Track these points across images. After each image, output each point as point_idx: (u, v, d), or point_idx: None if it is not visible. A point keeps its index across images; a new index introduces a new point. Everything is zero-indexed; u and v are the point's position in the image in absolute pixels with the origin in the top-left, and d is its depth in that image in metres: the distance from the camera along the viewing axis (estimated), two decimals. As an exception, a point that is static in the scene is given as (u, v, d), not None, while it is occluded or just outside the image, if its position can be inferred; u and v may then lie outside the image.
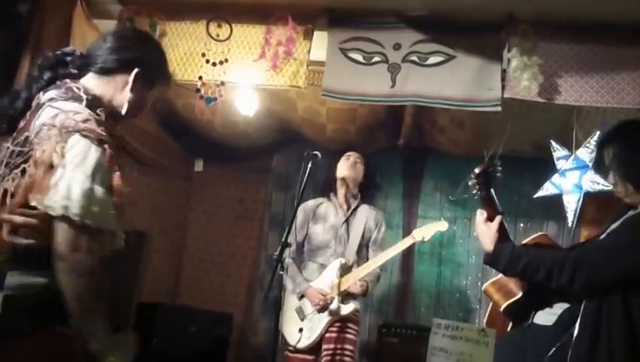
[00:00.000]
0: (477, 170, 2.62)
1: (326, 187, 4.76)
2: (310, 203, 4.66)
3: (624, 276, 2.40)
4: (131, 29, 2.30)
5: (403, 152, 6.15)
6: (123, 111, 2.13)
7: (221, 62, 4.39)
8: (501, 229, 2.61)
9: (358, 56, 4.30)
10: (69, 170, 1.83)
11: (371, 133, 5.82)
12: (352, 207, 4.61)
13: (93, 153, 1.90)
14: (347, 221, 4.57)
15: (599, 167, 4.20)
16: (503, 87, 4.06)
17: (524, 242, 3.19)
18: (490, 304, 3.60)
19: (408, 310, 6.19)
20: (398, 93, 4.22)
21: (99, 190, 1.87)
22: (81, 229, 1.82)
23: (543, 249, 2.82)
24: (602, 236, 2.63)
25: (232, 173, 6.87)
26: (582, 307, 2.48)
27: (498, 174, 2.63)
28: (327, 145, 5.79)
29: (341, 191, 4.63)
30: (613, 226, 2.59)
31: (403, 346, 5.41)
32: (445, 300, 6.18)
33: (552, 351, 2.53)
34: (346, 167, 4.60)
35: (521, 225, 5.91)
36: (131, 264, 4.58)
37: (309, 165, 3.89)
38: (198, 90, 4.42)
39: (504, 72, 4.10)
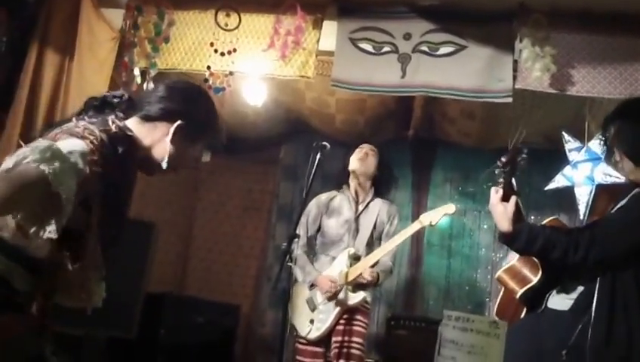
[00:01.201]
0: (504, 159, 2.61)
1: (338, 179, 4.72)
2: (323, 196, 4.62)
3: (635, 249, 2.43)
4: (184, 82, 2.25)
5: (412, 143, 6.12)
6: (164, 165, 2.09)
7: (229, 52, 4.36)
8: (517, 209, 2.60)
9: (368, 46, 4.26)
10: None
11: (381, 123, 5.78)
12: (366, 201, 4.57)
13: (77, 141, 1.86)
14: (360, 215, 4.53)
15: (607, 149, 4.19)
16: (515, 78, 4.02)
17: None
18: (501, 292, 3.57)
19: (417, 302, 6.17)
20: (408, 84, 4.19)
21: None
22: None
23: (558, 228, 2.82)
24: (612, 211, 2.65)
25: (239, 164, 6.85)
26: (596, 289, 2.48)
27: (522, 162, 2.63)
28: (336, 136, 5.76)
29: (353, 183, 4.60)
30: (622, 203, 2.60)
31: (412, 338, 5.39)
32: (454, 292, 6.15)
33: (573, 338, 2.53)
34: (357, 160, 4.55)
35: (532, 217, 5.86)
36: (138, 254, 4.56)
37: (318, 156, 3.85)
38: (206, 80, 4.39)
39: (515, 62, 4.06)
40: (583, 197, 4.41)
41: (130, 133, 2.03)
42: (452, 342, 4.54)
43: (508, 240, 2.62)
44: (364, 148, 4.61)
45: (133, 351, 4.90)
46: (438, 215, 4.42)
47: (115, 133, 1.97)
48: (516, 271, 3.20)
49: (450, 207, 4.48)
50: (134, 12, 4.45)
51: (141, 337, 4.49)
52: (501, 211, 2.59)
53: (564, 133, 4.55)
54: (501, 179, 2.62)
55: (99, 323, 4.24)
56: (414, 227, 4.45)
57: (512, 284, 3.19)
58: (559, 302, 3.11)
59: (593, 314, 2.48)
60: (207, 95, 2.26)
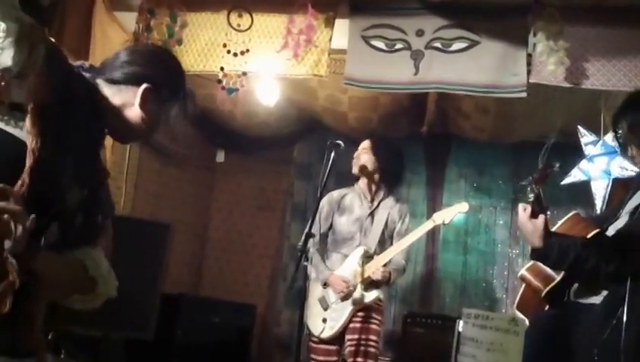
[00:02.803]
0: (536, 176, 2.64)
1: (350, 177, 4.71)
2: (335, 194, 4.62)
3: None
4: (146, 45, 2.16)
5: (426, 140, 6.09)
6: (135, 129, 2.02)
7: (242, 53, 4.37)
8: (546, 225, 2.62)
9: (381, 44, 4.26)
10: None
11: (394, 120, 5.76)
12: (378, 199, 4.56)
13: None
14: (372, 213, 4.52)
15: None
16: (529, 72, 4.00)
17: (558, 223, 3.15)
18: (522, 288, 3.54)
19: (433, 299, 6.14)
20: (421, 81, 4.18)
21: None
22: None
23: (587, 241, 2.81)
24: (625, 212, 2.67)
25: (253, 163, 6.85)
26: (627, 288, 2.48)
27: (552, 175, 2.68)
28: (350, 133, 5.75)
29: (362, 181, 4.59)
30: (635, 202, 2.59)
31: (428, 336, 5.36)
32: (471, 289, 6.12)
33: (606, 335, 2.53)
34: (353, 162, 4.55)
35: (549, 212, 5.82)
36: (154, 255, 4.57)
37: (332, 155, 3.84)
38: (219, 81, 4.40)
39: (529, 56, 4.04)
40: (600, 191, 4.38)
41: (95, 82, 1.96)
42: (471, 340, 4.52)
43: (539, 256, 2.66)
44: (359, 148, 4.59)
45: (150, 352, 4.92)
46: (452, 213, 4.41)
47: (79, 72, 1.91)
48: (539, 269, 3.18)
49: (464, 206, 4.47)
50: (147, 15, 4.46)
51: (158, 338, 4.51)
52: (531, 229, 2.62)
53: (579, 126, 4.53)
54: (531, 196, 2.64)
55: (117, 324, 4.26)
56: (427, 226, 4.44)
57: (535, 283, 3.16)
58: (583, 294, 3.09)
59: (625, 313, 2.48)
60: (174, 57, 2.14)
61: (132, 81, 1.99)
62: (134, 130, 2.01)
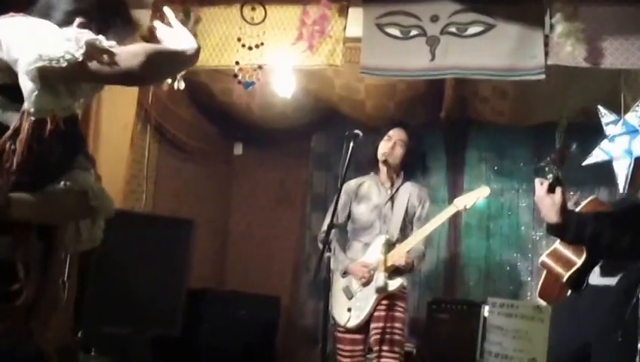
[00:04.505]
0: (554, 156, 2.65)
1: (367, 164, 4.68)
2: (352, 183, 4.59)
3: None
4: None
5: (445, 125, 6.05)
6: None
7: (257, 46, 4.36)
8: (563, 200, 2.60)
9: (395, 31, 4.23)
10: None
11: (412, 107, 5.73)
12: (396, 186, 4.54)
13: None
14: (391, 200, 4.50)
15: None
16: (546, 54, 3.97)
17: (577, 209, 3.14)
18: (544, 274, 3.53)
19: (457, 285, 6.13)
20: (438, 67, 4.16)
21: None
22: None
23: (604, 214, 2.80)
24: None
25: (271, 156, 6.84)
26: None
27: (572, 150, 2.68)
28: (367, 121, 5.73)
29: (383, 169, 4.57)
30: None
31: (453, 322, 5.37)
32: (495, 274, 6.09)
33: (627, 315, 2.53)
34: (384, 150, 4.49)
35: (572, 193, 5.77)
36: (178, 252, 4.61)
37: (351, 145, 3.83)
38: (235, 75, 4.40)
39: (546, 38, 4.00)
40: (622, 170, 4.32)
41: None
42: (498, 328, 4.54)
43: (558, 231, 2.63)
44: (393, 137, 4.52)
45: (177, 347, 4.96)
46: (473, 198, 4.39)
47: None
48: (560, 254, 3.17)
49: (485, 190, 4.45)
50: (160, 11, 4.45)
51: (185, 333, 4.55)
52: (549, 203, 2.60)
53: (599, 106, 4.47)
54: (549, 177, 2.63)
55: (144, 322, 4.31)
56: (449, 211, 4.42)
57: (557, 268, 3.16)
58: (599, 277, 3.08)
59: None
60: None
61: (65, 21, 1.94)
62: None
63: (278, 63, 4.42)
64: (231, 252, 6.91)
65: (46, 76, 1.69)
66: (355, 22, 4.33)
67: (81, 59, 1.70)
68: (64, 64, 1.68)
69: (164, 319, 4.48)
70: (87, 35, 1.75)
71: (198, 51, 2.03)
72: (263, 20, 4.38)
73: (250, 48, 4.37)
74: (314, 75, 5.23)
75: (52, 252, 1.89)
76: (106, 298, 4.16)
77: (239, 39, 4.39)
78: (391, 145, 4.47)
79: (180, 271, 4.59)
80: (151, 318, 4.38)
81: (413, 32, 4.19)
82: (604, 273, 3.07)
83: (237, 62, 4.38)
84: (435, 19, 4.17)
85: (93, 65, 1.73)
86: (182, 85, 4.49)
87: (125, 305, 4.24)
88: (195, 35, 4.40)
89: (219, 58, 4.42)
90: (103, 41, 1.76)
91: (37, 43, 1.70)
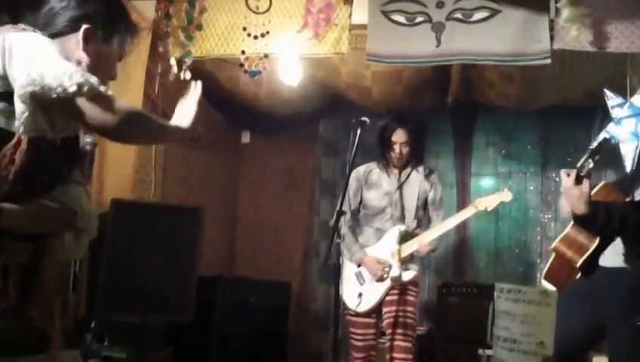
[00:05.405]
0: (594, 148, 2.79)
1: (375, 151, 4.69)
2: (361, 169, 4.60)
3: None
4: None
5: (452, 110, 6.05)
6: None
7: (262, 35, 4.38)
8: (590, 191, 2.71)
9: (401, 18, 4.23)
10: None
11: (418, 92, 5.73)
12: (406, 173, 4.55)
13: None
14: (401, 186, 4.52)
15: None
16: (552, 38, 3.96)
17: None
18: (552, 258, 3.54)
19: (467, 268, 6.15)
20: (444, 53, 4.16)
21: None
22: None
23: (628, 204, 2.85)
24: None
25: (279, 142, 6.86)
26: None
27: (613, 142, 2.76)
28: (374, 108, 5.74)
29: (391, 156, 4.57)
30: None
31: (464, 305, 5.40)
32: (504, 256, 6.11)
33: None
34: (396, 155, 4.50)
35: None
36: (188, 240, 4.64)
37: (358, 132, 3.85)
38: (242, 65, 4.41)
39: (551, 22, 4.00)
40: (629, 153, 4.32)
41: None
42: (505, 313, 4.56)
43: (586, 222, 2.68)
44: (397, 142, 4.48)
45: (189, 334, 5.00)
46: (495, 202, 4.46)
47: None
48: (572, 240, 3.18)
49: (507, 195, 4.51)
50: (165, 2, 4.48)
51: (197, 320, 4.59)
52: (577, 194, 2.65)
53: (605, 89, 4.46)
54: (585, 169, 2.69)
55: (156, 309, 4.35)
56: (469, 211, 4.50)
57: (569, 253, 3.16)
58: (610, 259, 3.09)
59: None
60: None
61: (72, 27, 1.97)
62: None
63: (284, 52, 4.43)
64: (240, 239, 6.95)
65: (38, 100, 1.73)
66: (361, 9, 4.33)
67: (72, 95, 1.73)
68: (54, 95, 1.71)
69: (176, 306, 4.52)
70: (87, 75, 1.78)
71: (185, 131, 2.10)
72: (268, 9, 4.39)
73: (255, 37, 4.38)
74: (320, 62, 5.23)
75: (41, 255, 1.92)
76: (118, 287, 4.22)
77: (245, 28, 4.40)
78: (398, 151, 4.49)
79: (191, 258, 4.62)
80: (163, 306, 4.42)
81: (419, 19, 4.20)
82: (615, 254, 3.09)
83: (243, 52, 4.39)
84: (440, 5, 4.17)
85: (82, 103, 1.76)
86: (188, 75, 4.51)
87: (137, 294, 4.28)
88: (200, 25, 4.46)
89: (224, 47, 4.43)
90: (100, 86, 1.79)
91: (36, 69, 1.73)
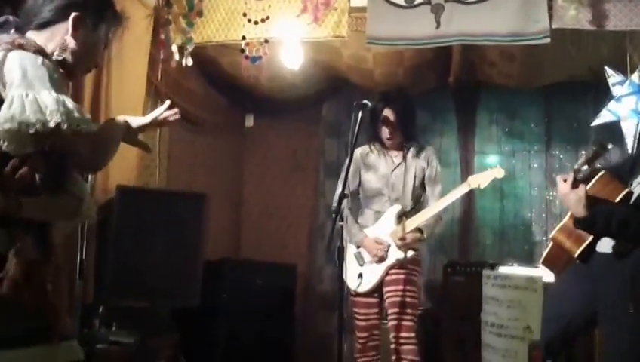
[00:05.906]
0: (589, 156, 2.83)
1: (373, 133, 4.69)
2: (358, 151, 4.58)
3: None
4: None
5: (454, 89, 6.05)
6: (69, 58, 2.02)
7: (263, 20, 4.39)
8: (587, 193, 2.74)
9: (400, 0, 4.23)
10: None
11: (420, 73, 5.73)
12: (401, 153, 4.56)
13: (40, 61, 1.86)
14: (397, 167, 4.52)
15: None
16: (551, 17, 3.96)
17: (588, 186, 3.15)
18: (549, 245, 3.56)
19: (472, 247, 6.15)
20: (443, 34, 4.18)
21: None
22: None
23: (628, 206, 2.87)
24: None
25: (282, 125, 6.86)
26: None
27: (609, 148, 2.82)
28: (376, 89, 5.72)
29: (387, 143, 4.57)
30: None
31: (469, 284, 5.38)
32: (510, 235, 6.12)
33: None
34: (386, 134, 4.50)
35: (583, 151, 5.77)
36: (193, 225, 4.68)
37: (360, 114, 3.86)
38: (242, 51, 4.42)
39: (550, 1, 4.00)
40: (630, 131, 4.33)
41: (39, 44, 1.95)
42: (493, 299, 4.61)
43: (586, 225, 2.76)
44: (386, 120, 4.48)
45: (196, 318, 5.05)
46: (488, 179, 4.44)
47: (22, 44, 1.90)
48: (570, 230, 3.18)
49: (500, 171, 4.48)
50: (165, -11, 4.49)
51: (204, 304, 4.63)
52: (575, 199, 2.69)
53: (606, 67, 4.46)
54: (581, 173, 2.72)
55: (163, 294, 4.40)
56: (462, 189, 4.49)
57: (568, 244, 3.17)
58: (605, 245, 3.10)
59: None
60: None
61: (60, 16, 2.00)
62: (77, 63, 2.06)
63: (285, 36, 4.44)
64: (246, 222, 6.98)
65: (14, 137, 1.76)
66: (360, -9, 4.34)
67: (52, 127, 1.76)
68: (32, 131, 1.74)
69: (183, 291, 4.57)
70: (70, 104, 1.82)
71: (124, 129, 2.29)
72: (268, -6, 4.40)
73: (255, 23, 4.40)
74: (322, 45, 5.23)
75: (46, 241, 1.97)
76: (125, 273, 4.26)
77: (245, 14, 4.41)
78: (387, 131, 4.49)
79: (196, 243, 4.66)
80: (170, 291, 4.47)
81: (418, 1, 4.21)
82: (609, 241, 3.10)
83: (243, 37, 4.41)
84: (439, -14, 4.18)
85: (64, 131, 1.80)
86: (190, 62, 4.54)
87: (144, 279, 4.33)
88: (201, 11, 4.47)
89: (225, 33, 4.45)
90: (84, 114, 1.85)
91: (17, 104, 1.75)
